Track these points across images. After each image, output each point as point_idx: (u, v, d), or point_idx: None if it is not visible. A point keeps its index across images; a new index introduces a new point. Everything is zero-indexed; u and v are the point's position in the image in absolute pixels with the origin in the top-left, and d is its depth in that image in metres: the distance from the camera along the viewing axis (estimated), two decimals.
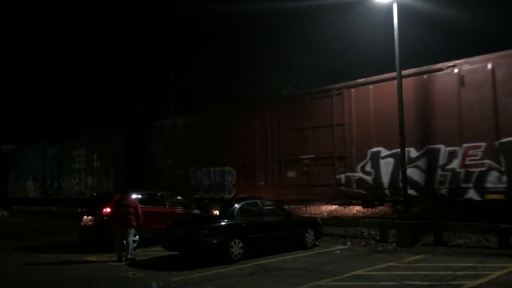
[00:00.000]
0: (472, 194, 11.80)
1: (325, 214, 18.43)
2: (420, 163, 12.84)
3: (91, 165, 24.37)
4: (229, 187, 17.85)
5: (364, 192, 13.96)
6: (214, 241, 10.13)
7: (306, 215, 16.57)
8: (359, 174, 14.08)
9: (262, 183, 16.65)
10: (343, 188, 14.39)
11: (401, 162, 12.43)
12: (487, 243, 11.54)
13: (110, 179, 22.71)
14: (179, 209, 14.05)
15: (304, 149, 15.55)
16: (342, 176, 14.44)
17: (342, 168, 14.48)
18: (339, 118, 14.75)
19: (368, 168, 13.89)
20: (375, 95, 13.93)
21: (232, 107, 19.48)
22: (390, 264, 9.74)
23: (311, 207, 19.27)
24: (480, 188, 11.66)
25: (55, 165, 27.58)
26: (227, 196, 17.58)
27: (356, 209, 18.51)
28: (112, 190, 19.87)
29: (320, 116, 15.30)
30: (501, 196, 11.36)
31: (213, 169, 18.57)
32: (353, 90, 14.49)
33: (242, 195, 15.64)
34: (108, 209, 12.15)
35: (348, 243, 13.02)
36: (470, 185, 11.83)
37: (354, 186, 14.16)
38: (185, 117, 20.76)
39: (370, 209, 17.94)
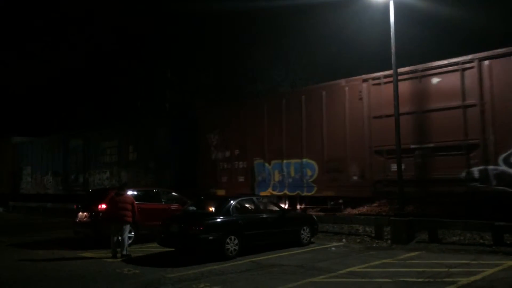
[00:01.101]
0: None
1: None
2: None
3: (125, 158, 22.21)
4: (309, 182, 15.37)
5: (510, 190, 11.47)
6: (210, 238, 10.14)
7: (301, 212, 16.58)
8: (501, 168, 11.62)
9: (355, 178, 14.26)
10: (477, 184, 11.87)
11: (397, 158, 12.46)
12: (481, 241, 11.62)
13: (150, 173, 20.75)
14: (174, 206, 14.05)
15: (418, 136, 12.99)
16: (475, 169, 11.91)
17: (475, 159, 11.93)
18: (470, 98, 12.10)
19: None
20: None
21: (315, 86, 16.42)
22: (385, 261, 9.78)
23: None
24: None
25: (80, 158, 25.39)
26: (306, 194, 15.51)
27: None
28: (108, 187, 19.78)
29: (441, 95, 12.63)
30: None
31: (286, 162, 16.05)
32: (487, 62, 11.96)
33: (327, 193, 14.80)
34: (104, 206, 12.15)
35: (344, 240, 13.06)
36: None
37: (494, 182, 11.65)
38: (245, 102, 18.41)
39: (365, 206, 17.96)
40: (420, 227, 12.34)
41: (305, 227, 12.26)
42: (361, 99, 14.34)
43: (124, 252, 10.80)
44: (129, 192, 12.49)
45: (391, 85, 12.95)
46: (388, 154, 13.39)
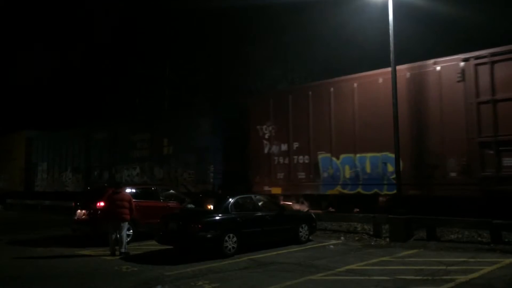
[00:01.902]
0: None
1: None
2: None
3: (159, 152, 20.19)
4: (390, 179, 13.35)
5: None
6: (208, 236, 10.14)
7: (300, 210, 16.58)
8: None
9: (453, 174, 12.27)
10: None
11: (395, 157, 12.47)
12: (479, 238, 11.64)
13: (189, 169, 18.82)
14: (173, 204, 14.03)
15: None
16: None
17: None
18: None
19: None
20: None
21: (399, 67, 13.03)
22: (383, 258, 9.80)
23: None
24: None
25: (105, 153, 23.35)
26: (386, 192, 13.52)
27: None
28: (105, 184, 19.57)
29: None
30: None
31: (361, 156, 14.06)
32: None
33: (414, 192, 12.88)
34: (102, 203, 12.12)
35: (342, 238, 13.07)
36: None
37: None
38: (307, 88, 16.07)
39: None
40: (418, 225, 12.36)
41: (303, 225, 12.26)
42: (460, 81, 12.32)
43: (123, 250, 10.79)
44: (127, 190, 12.50)
45: (504, 64, 11.60)
46: (501, 146, 11.52)
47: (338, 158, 14.76)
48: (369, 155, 13.98)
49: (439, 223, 12.05)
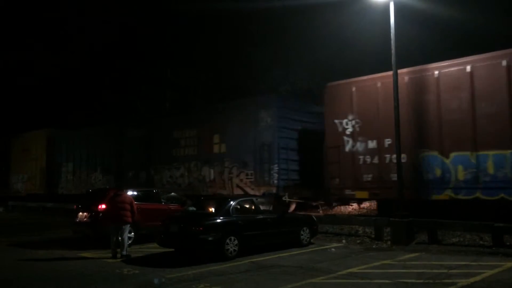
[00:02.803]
0: None
1: (320, 211, 18.47)
2: None
3: (208, 150, 18.43)
4: None
5: None
6: (210, 238, 10.14)
7: (301, 213, 16.59)
8: None
9: None
10: None
11: (396, 159, 12.45)
12: (481, 242, 11.62)
13: (247, 169, 16.97)
14: (174, 206, 14.04)
15: None
16: None
17: None
18: None
19: None
20: None
21: None
22: (385, 262, 9.78)
23: None
24: None
25: (142, 151, 21.46)
26: None
27: (352, 207, 18.57)
28: (107, 186, 19.52)
29: None
30: None
31: (482, 154, 11.95)
32: None
33: None
34: (104, 206, 12.14)
35: (343, 241, 13.05)
36: None
37: None
38: (399, 74, 12.92)
39: (365, 207, 18.01)
40: (420, 228, 12.34)
41: (304, 228, 12.25)
42: None
43: (124, 252, 10.79)
44: (129, 192, 12.51)
45: None
46: None
47: (447, 157, 12.59)
48: (492, 153, 11.87)
49: (440, 226, 12.02)
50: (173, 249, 11.07)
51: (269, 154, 16.34)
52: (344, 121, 14.71)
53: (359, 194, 14.45)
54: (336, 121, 14.90)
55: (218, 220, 10.62)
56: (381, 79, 14.05)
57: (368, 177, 14.14)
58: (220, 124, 18.18)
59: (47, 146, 27.41)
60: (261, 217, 11.56)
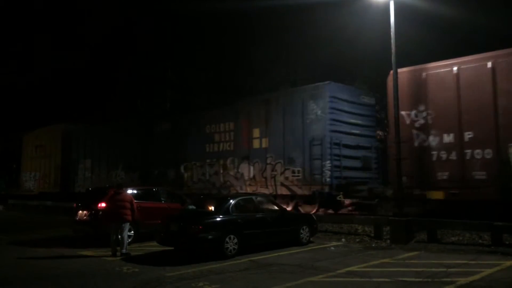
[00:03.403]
0: None
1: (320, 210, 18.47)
2: None
3: (247, 145, 17.14)
4: None
5: None
6: (209, 237, 10.16)
7: (301, 212, 16.59)
8: None
9: None
10: None
11: (396, 157, 12.46)
12: (480, 241, 11.64)
13: (293, 166, 15.74)
14: (174, 205, 14.05)
15: None
16: None
17: None
18: None
19: None
20: None
21: None
22: (384, 260, 9.80)
23: None
24: None
25: (170, 147, 20.18)
26: None
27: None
28: (107, 185, 19.36)
29: None
30: None
31: None
32: None
33: None
34: (104, 204, 12.15)
35: (343, 239, 13.07)
36: None
37: None
38: (481, 58, 12.15)
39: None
40: (419, 227, 12.37)
41: (304, 227, 12.27)
42: None
43: (124, 251, 10.82)
44: (129, 191, 12.53)
45: None
46: None
47: None
48: None
49: (440, 225, 12.05)
50: (173, 248, 11.08)
51: (320, 150, 14.97)
52: (413, 112, 13.27)
53: (432, 194, 12.91)
54: (403, 112, 13.30)
55: (218, 219, 10.64)
56: (458, 64, 12.66)
57: (443, 175, 12.65)
58: (261, 117, 16.85)
59: (63, 142, 25.96)
60: (261, 215, 11.57)
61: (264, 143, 16.71)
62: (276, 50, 30.07)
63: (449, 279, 7.82)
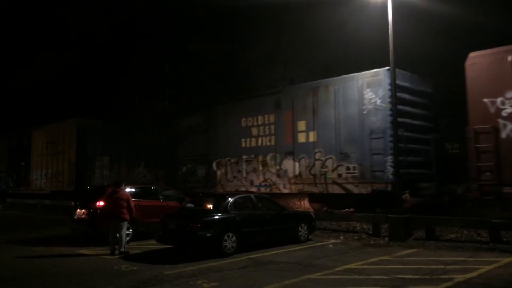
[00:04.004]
0: None
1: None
2: None
3: (291, 140, 15.79)
4: None
5: None
6: (208, 235, 10.16)
7: (300, 209, 16.58)
8: None
9: None
10: None
11: (394, 154, 12.48)
12: (478, 238, 11.67)
13: (348, 162, 14.33)
14: (172, 203, 14.05)
15: None
16: None
17: None
18: None
19: None
20: None
21: None
22: (382, 258, 9.82)
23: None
24: None
25: (200, 143, 18.77)
26: None
27: None
28: (105, 184, 19.21)
29: None
30: None
31: None
32: None
33: None
34: (102, 203, 12.14)
35: (341, 237, 13.09)
36: None
37: None
38: None
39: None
40: (417, 224, 12.39)
41: (302, 225, 12.29)
42: None
43: (122, 249, 10.82)
44: (127, 189, 12.52)
45: None
46: None
47: None
48: None
49: (438, 223, 12.08)
50: (171, 246, 11.08)
51: (382, 144, 13.56)
52: (499, 100, 11.85)
53: None
54: (486, 100, 12.00)
55: (216, 217, 10.64)
56: None
57: None
58: (308, 108, 15.32)
59: (78, 138, 24.63)
60: (259, 213, 11.58)
61: (312, 136, 15.21)
62: (274, 48, 30.05)
63: (447, 276, 7.84)
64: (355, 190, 14.25)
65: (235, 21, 30.45)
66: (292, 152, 15.73)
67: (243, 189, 16.83)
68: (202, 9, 30.70)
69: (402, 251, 10.57)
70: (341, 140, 14.57)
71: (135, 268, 9.21)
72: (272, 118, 16.46)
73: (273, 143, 16.36)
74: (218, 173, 18.06)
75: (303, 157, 15.48)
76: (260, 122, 16.86)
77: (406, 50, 18.98)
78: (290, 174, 15.76)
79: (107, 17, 34.98)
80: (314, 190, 14.97)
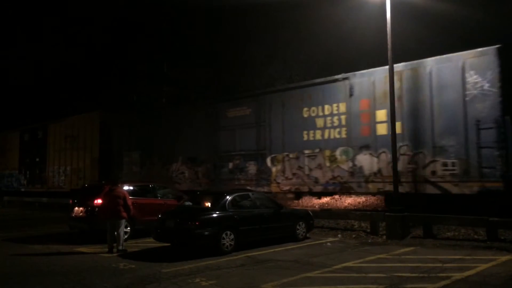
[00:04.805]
0: None
1: (316, 206, 18.51)
2: None
3: (367, 132, 13.85)
4: None
5: None
6: (206, 233, 10.15)
7: (297, 208, 16.56)
8: None
9: None
10: None
11: (392, 153, 12.48)
12: (475, 236, 11.70)
13: (445, 157, 12.38)
14: (170, 201, 14.04)
15: None
16: None
17: None
18: None
19: None
20: None
21: None
22: (380, 256, 9.83)
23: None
24: None
25: (250, 136, 16.86)
26: None
27: (348, 201, 18.65)
28: (103, 181, 19.03)
29: None
30: None
31: None
32: None
33: None
34: (100, 201, 12.13)
35: (339, 235, 13.11)
36: None
37: None
38: None
39: (361, 202, 18.05)
40: (415, 222, 12.41)
41: (300, 223, 12.30)
42: None
43: (120, 247, 10.81)
44: (125, 187, 12.51)
45: None
46: None
47: None
48: None
49: (435, 221, 12.09)
50: (169, 244, 11.09)
51: (494, 136, 11.61)
52: None
53: None
54: None
55: (214, 215, 10.63)
56: None
57: None
58: (388, 95, 12.93)
59: (101, 132, 22.70)
60: (257, 211, 11.58)
61: (401, 128, 13.16)
62: (272, 46, 30.03)
63: (444, 274, 7.86)
64: (454, 190, 12.26)
65: (233, 19, 30.41)
66: (369, 145, 13.79)
67: (306, 188, 15.26)
68: (201, 7, 30.66)
69: (400, 249, 10.59)
70: (435, 131, 12.56)
71: (133, 266, 9.20)
72: (342, 107, 14.48)
73: (343, 135, 14.44)
74: (273, 169, 16.13)
75: (384, 152, 13.49)
76: (327, 112, 14.88)
77: (405, 47, 19.01)
78: (367, 171, 13.81)
79: (106, 15, 34.91)
80: (401, 189, 12.80)
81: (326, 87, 14.99)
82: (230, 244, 10.43)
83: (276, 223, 11.76)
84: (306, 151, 15.27)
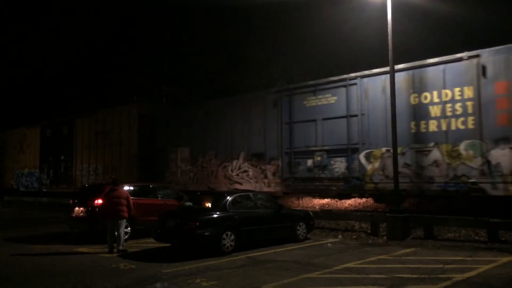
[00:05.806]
0: None
1: (317, 207, 18.51)
2: None
3: (505, 120, 11.53)
4: None
5: None
6: (206, 233, 10.15)
7: (298, 208, 16.54)
8: None
9: None
10: None
11: (393, 155, 12.47)
12: (476, 237, 11.68)
13: None
14: (171, 201, 14.03)
15: None
16: None
17: None
18: None
19: None
20: None
21: None
22: (381, 257, 9.82)
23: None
24: None
25: (335, 128, 14.70)
26: None
27: (348, 202, 18.62)
28: (104, 182, 19.00)
29: None
30: None
31: None
32: None
33: None
34: (100, 201, 12.13)
35: (340, 236, 13.10)
36: None
37: None
38: None
39: (361, 203, 18.03)
40: (416, 223, 12.40)
41: (301, 223, 12.29)
42: None
43: (121, 247, 10.80)
44: (125, 187, 12.50)
45: None
46: None
47: None
48: None
49: (436, 222, 12.09)
50: (169, 244, 11.08)
51: None
52: None
53: None
54: None
55: (215, 215, 10.62)
56: None
57: None
58: None
59: (139, 126, 20.72)
60: (258, 212, 11.58)
61: None
62: (273, 46, 30.02)
63: (445, 276, 7.84)
64: None
65: (233, 19, 30.43)
66: (510, 138, 11.42)
67: (416, 188, 12.98)
68: (201, 7, 30.67)
69: (401, 250, 10.58)
70: None
71: (133, 266, 9.19)
72: (469, 91, 12.09)
73: (470, 126, 12.03)
74: (369, 167, 13.84)
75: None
76: (445, 98, 12.50)
77: (406, 48, 19.00)
78: (506, 170, 11.43)
79: (106, 13, 34.93)
80: None
81: (445, 68, 12.60)
82: (231, 245, 10.42)
83: (276, 223, 11.75)
84: (415, 145, 12.95)
